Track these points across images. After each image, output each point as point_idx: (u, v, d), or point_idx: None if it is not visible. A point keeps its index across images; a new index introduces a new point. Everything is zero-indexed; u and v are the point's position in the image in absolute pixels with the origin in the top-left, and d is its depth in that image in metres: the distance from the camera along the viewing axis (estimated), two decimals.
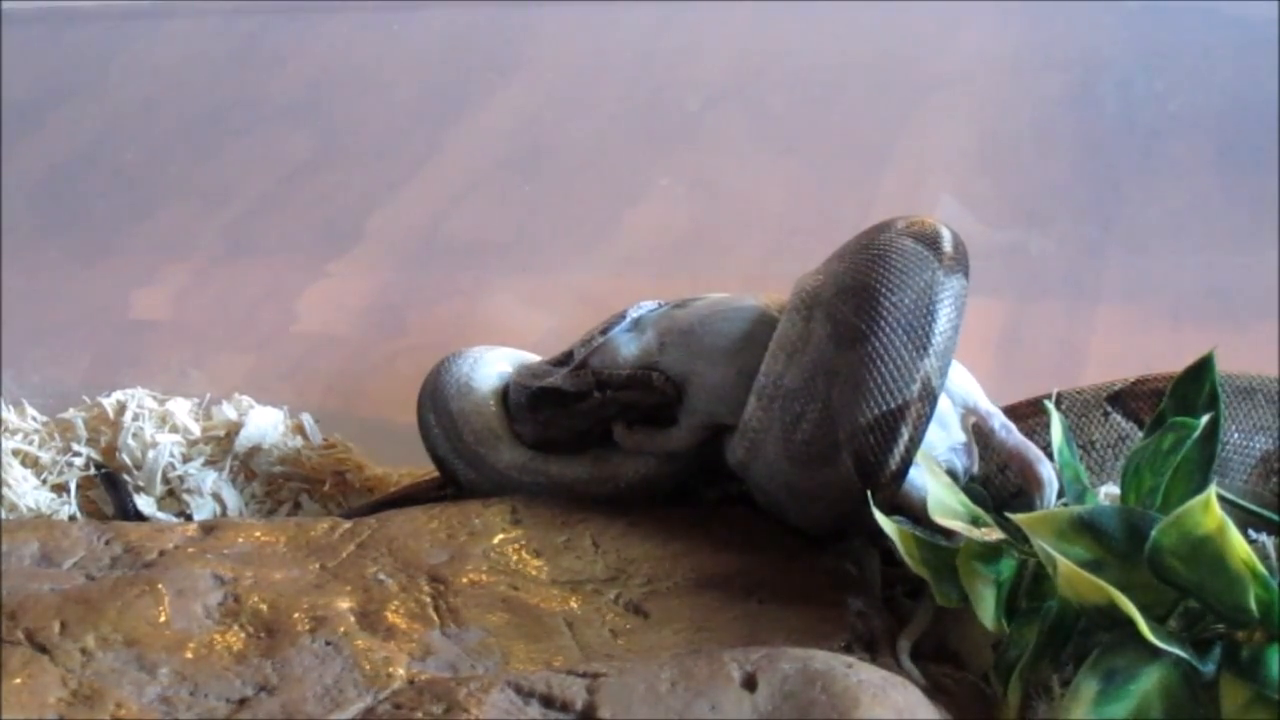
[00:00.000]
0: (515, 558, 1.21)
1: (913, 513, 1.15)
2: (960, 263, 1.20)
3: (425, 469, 1.41)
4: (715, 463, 1.30)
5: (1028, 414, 1.28)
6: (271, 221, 1.89)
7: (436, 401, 1.36)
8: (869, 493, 1.13)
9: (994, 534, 1.09)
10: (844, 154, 1.81)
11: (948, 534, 1.13)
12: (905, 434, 1.16)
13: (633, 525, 1.25)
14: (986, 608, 1.08)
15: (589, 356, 1.29)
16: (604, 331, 1.29)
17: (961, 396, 1.23)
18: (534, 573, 1.20)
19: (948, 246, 1.20)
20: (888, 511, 1.13)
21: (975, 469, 1.24)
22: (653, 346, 1.26)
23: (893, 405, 1.15)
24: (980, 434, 1.24)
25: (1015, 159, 1.81)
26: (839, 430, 1.16)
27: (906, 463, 1.16)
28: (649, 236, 1.82)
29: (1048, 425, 1.19)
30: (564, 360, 1.31)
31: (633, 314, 1.30)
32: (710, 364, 1.24)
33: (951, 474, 1.20)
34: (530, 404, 1.31)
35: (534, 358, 1.42)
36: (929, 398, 1.16)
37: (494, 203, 1.90)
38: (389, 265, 1.84)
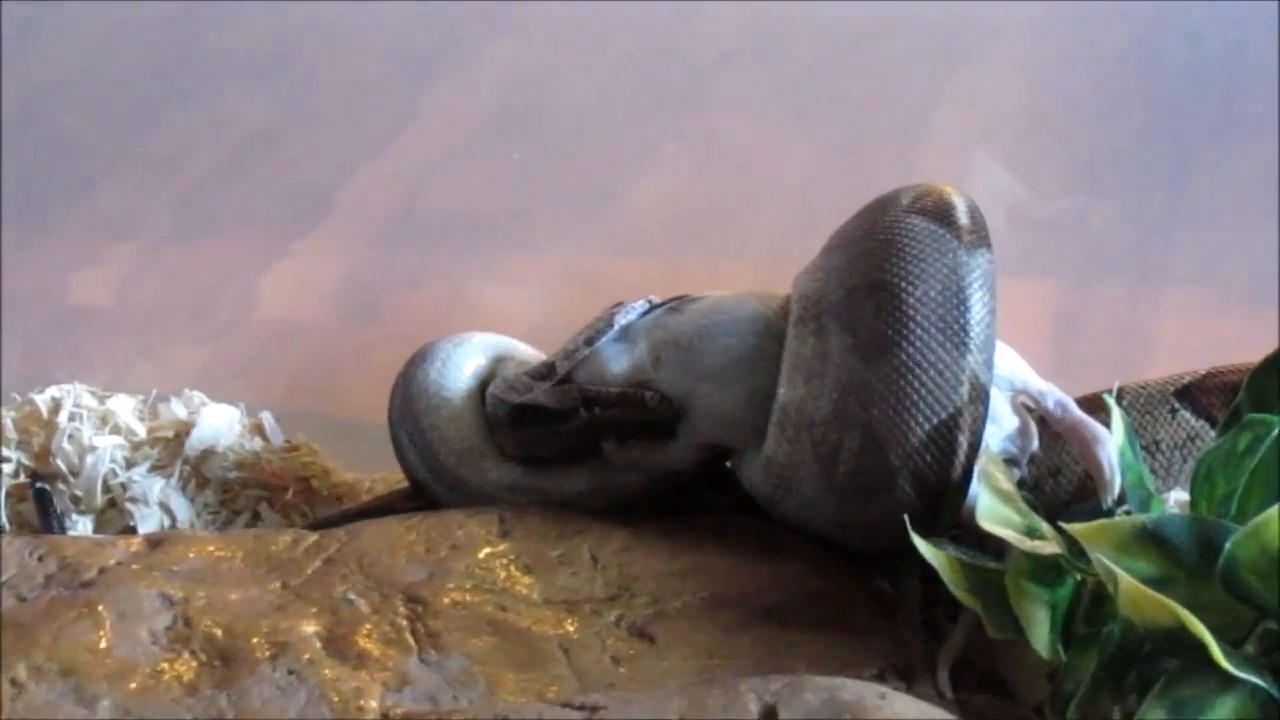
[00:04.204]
0: (503, 575, 1.21)
1: (973, 523, 1.14)
2: (981, 235, 1.19)
3: (401, 475, 1.41)
4: (728, 468, 1.30)
5: (1085, 411, 1.27)
6: (227, 195, 1.89)
7: (406, 418, 1.36)
8: (931, 515, 1.14)
9: (1048, 546, 1.09)
10: (876, 116, 1.81)
11: (999, 551, 1.12)
12: (963, 442, 1.15)
13: (636, 538, 1.25)
14: (1040, 632, 1.08)
15: (573, 370, 1.29)
16: (589, 341, 1.29)
17: (1008, 379, 1.23)
18: (525, 592, 1.20)
19: (963, 218, 1.19)
20: (951, 527, 1.12)
21: (1035, 445, 1.23)
22: (645, 361, 1.26)
23: (944, 415, 1.14)
24: (1035, 415, 1.24)
25: (1071, 121, 1.81)
26: (890, 455, 1.15)
27: (968, 471, 1.16)
28: (654, 211, 1.81)
29: (1107, 423, 1.18)
30: (545, 373, 1.31)
31: (620, 320, 1.29)
32: (714, 386, 1.24)
33: (1011, 463, 1.20)
34: (511, 421, 1.31)
35: (515, 344, 1.42)
36: (980, 397, 1.16)
37: (479, 173, 1.90)
38: (361, 244, 1.84)
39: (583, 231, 1.80)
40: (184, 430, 1.51)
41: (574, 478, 1.32)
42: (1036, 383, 1.24)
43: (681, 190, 1.84)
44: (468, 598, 1.18)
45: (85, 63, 2.00)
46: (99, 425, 1.52)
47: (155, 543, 1.25)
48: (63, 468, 1.47)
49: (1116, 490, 1.19)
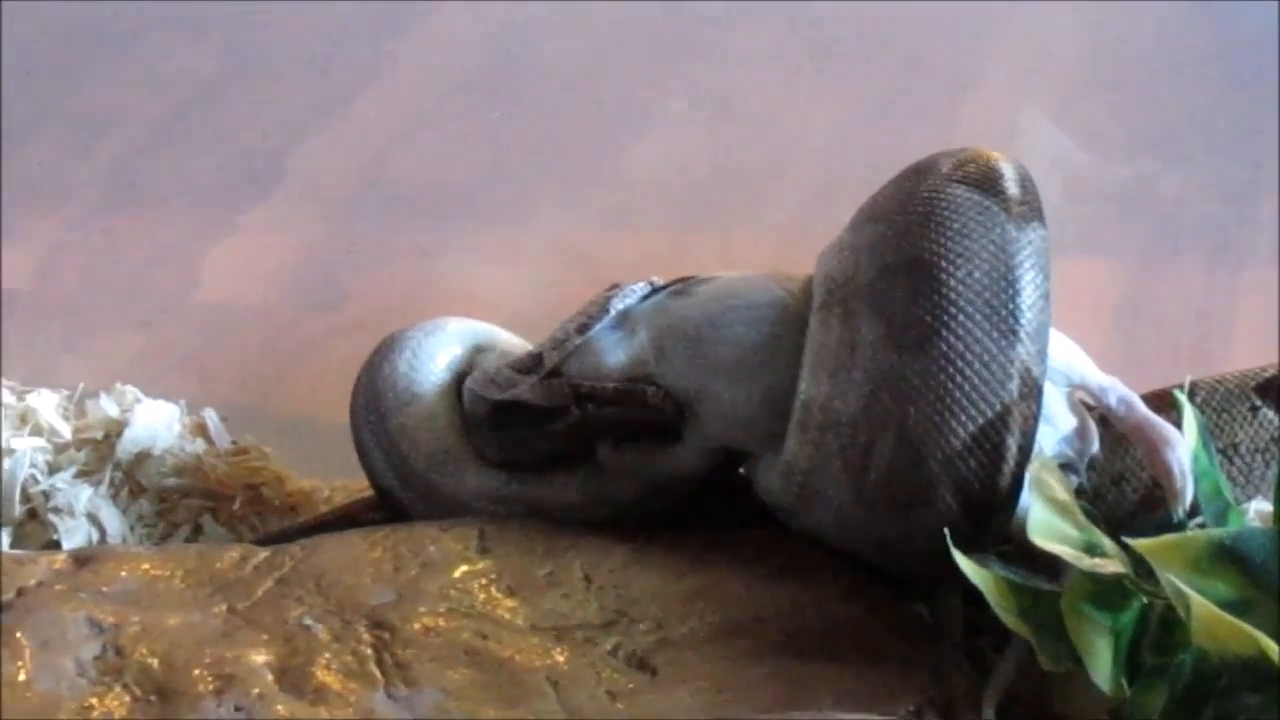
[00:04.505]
0: (483, 597, 1.21)
1: (1024, 539, 1.15)
2: (1032, 207, 1.20)
3: (365, 482, 1.42)
4: (741, 475, 1.31)
5: (1152, 409, 1.28)
6: (164, 161, 1.89)
7: (371, 416, 1.37)
8: (977, 529, 1.14)
9: (1110, 565, 1.09)
10: (912, 69, 1.81)
11: (1053, 570, 1.12)
12: (1012, 446, 1.16)
13: (636, 554, 1.26)
14: (1101, 663, 1.08)
15: (563, 362, 1.29)
16: (581, 329, 1.30)
17: (1064, 373, 1.23)
18: (508, 616, 1.20)
19: (1012, 187, 1.20)
20: (998, 542, 1.12)
21: (1096, 448, 1.24)
22: (647, 352, 1.27)
23: (990, 414, 1.15)
24: (1095, 414, 1.24)
25: (1139, 75, 1.81)
26: (929, 461, 1.15)
27: (1018, 478, 1.16)
28: (657, 179, 1.81)
29: (1178, 424, 1.18)
30: (531, 365, 1.32)
31: (618, 305, 1.30)
32: (725, 382, 1.24)
33: (1068, 469, 1.20)
34: (492, 420, 1.32)
35: (496, 332, 1.43)
36: (1032, 393, 1.16)
37: (455, 135, 1.90)
38: (318, 217, 1.84)
39: (574, 202, 1.79)
40: (115, 431, 1.52)
41: (564, 486, 1.32)
42: (1097, 376, 1.24)
43: (688, 154, 1.83)
44: (442, 623, 1.18)
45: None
46: (17, 425, 1.53)
47: (82, 560, 1.25)
48: None
49: (1189, 500, 1.19)
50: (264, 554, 1.27)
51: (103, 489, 1.48)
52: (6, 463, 1.48)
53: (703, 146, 1.85)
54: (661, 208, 1.77)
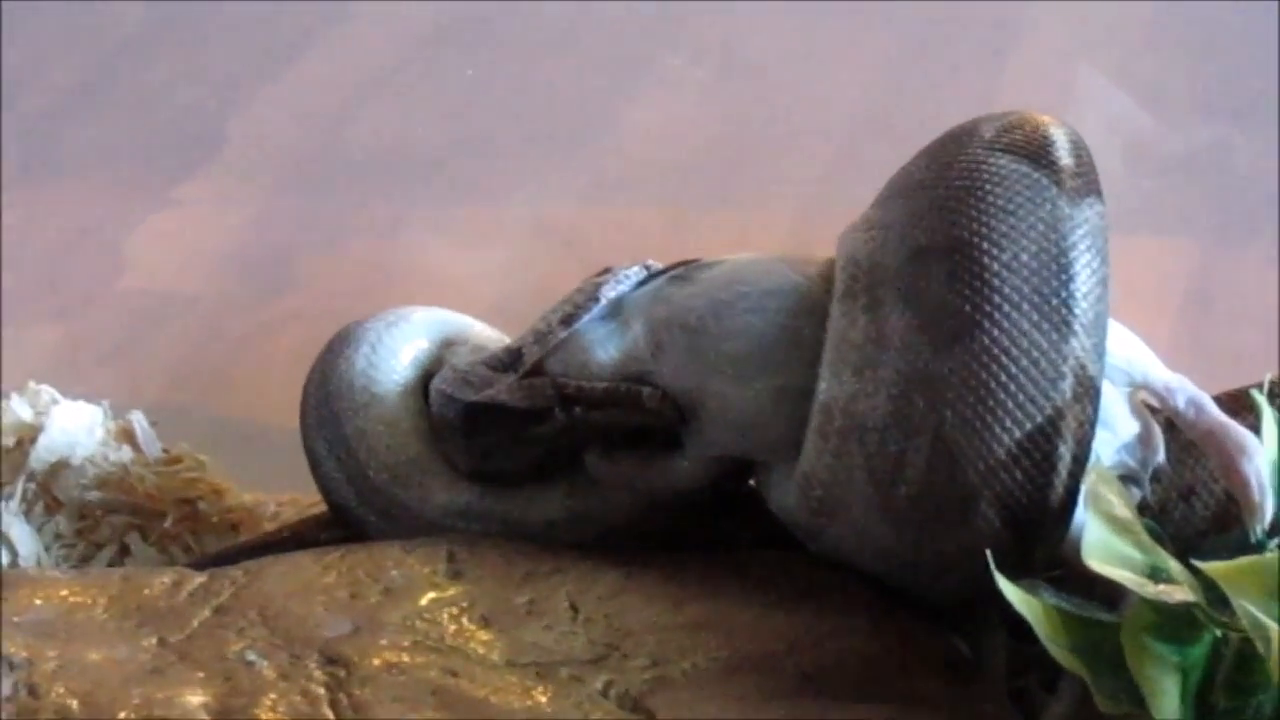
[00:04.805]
0: (453, 628, 1.21)
1: (1078, 562, 1.15)
2: (1088, 179, 1.20)
3: (318, 496, 1.42)
4: (751, 489, 1.31)
5: (1226, 412, 1.27)
6: (83, 127, 1.89)
7: (325, 421, 1.37)
8: (1024, 550, 1.14)
9: (1177, 592, 1.09)
10: (949, 19, 1.81)
11: (1112, 598, 1.12)
12: (1065, 454, 1.15)
13: (629, 579, 1.26)
14: (1167, 704, 1.08)
15: (546, 358, 1.29)
16: (567, 321, 1.30)
17: (1124, 370, 1.23)
18: (481, 650, 1.19)
19: (1065, 157, 1.20)
20: (1050, 566, 1.12)
21: (1161, 457, 1.24)
22: (642, 347, 1.27)
23: (1039, 418, 1.15)
24: (1160, 417, 1.24)
25: (1210, 28, 1.81)
26: (968, 472, 1.15)
27: (1071, 492, 1.16)
28: (652, 147, 1.82)
29: (1256, 429, 1.18)
30: (509, 362, 1.32)
31: (609, 292, 1.30)
32: (733, 381, 1.24)
33: (1129, 480, 1.20)
34: (464, 426, 1.32)
35: (469, 323, 1.43)
36: (1088, 394, 1.16)
37: (421, 95, 1.90)
38: (262, 189, 1.84)
39: (559, 174, 1.80)
40: (28, 436, 1.51)
41: (547, 501, 1.33)
42: (1162, 375, 1.24)
43: (689, 119, 1.84)
44: (405, 658, 1.18)
45: None
46: None
47: None
48: None
49: (1268, 517, 1.19)
50: (200, 579, 1.26)
51: (14, 504, 1.47)
52: None
53: (705, 109, 1.85)
54: (659, 180, 1.78)
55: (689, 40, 1.85)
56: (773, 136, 1.78)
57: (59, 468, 1.50)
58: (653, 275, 1.32)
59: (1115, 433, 1.23)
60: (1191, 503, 1.28)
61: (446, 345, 1.41)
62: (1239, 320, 1.64)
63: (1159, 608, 1.09)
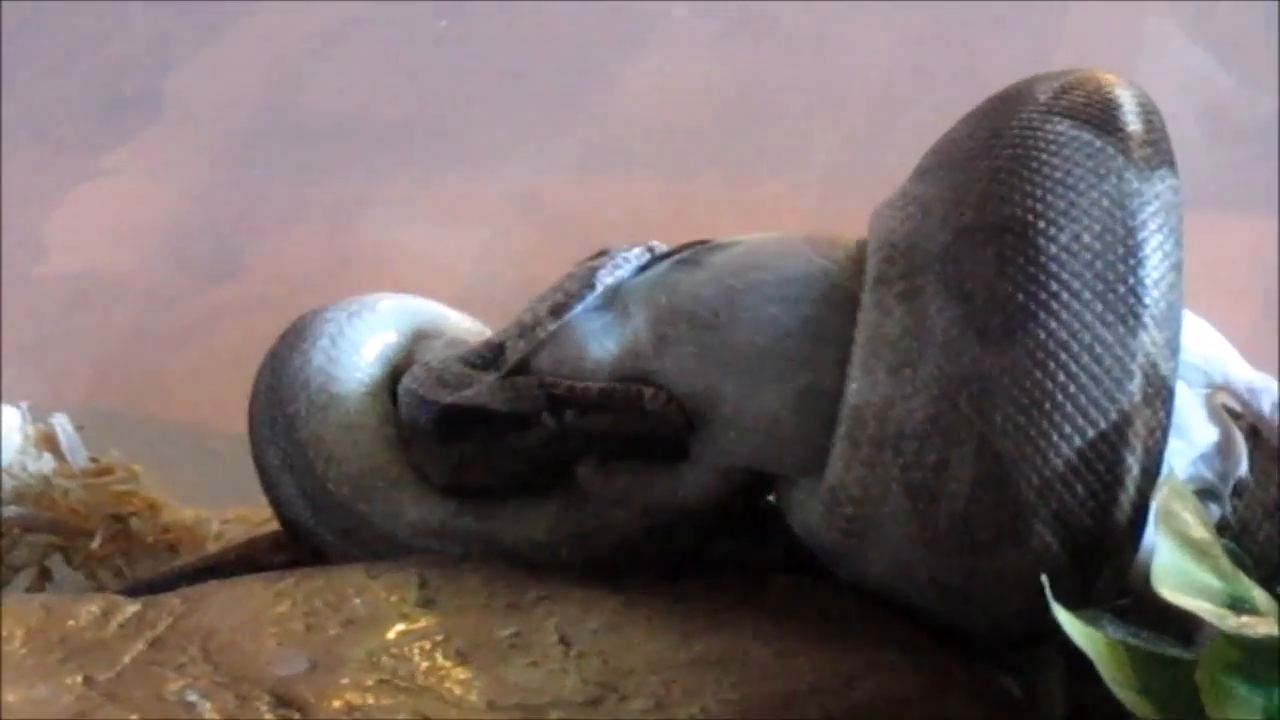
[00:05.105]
0: (425, 665, 1.21)
1: (1148, 589, 1.15)
2: (1159, 149, 1.20)
3: (269, 511, 1.42)
4: (770, 505, 1.31)
5: None
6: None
7: (277, 425, 1.38)
8: (1086, 576, 1.14)
9: (1263, 624, 1.09)
10: None
11: (1187, 632, 1.12)
12: (1133, 466, 1.16)
13: (629, 608, 1.26)
14: None
15: (533, 354, 1.30)
16: (557, 311, 1.30)
17: (1201, 368, 1.23)
18: (458, 691, 1.19)
19: (1133, 122, 1.21)
20: (1115, 595, 1.12)
21: (1244, 469, 1.25)
22: (644, 342, 1.27)
23: (1104, 424, 1.15)
24: (1242, 423, 1.25)
25: None
26: (1020, 486, 1.15)
27: (1140, 509, 1.16)
28: (654, 110, 1.82)
29: None
30: (490, 358, 1.33)
31: (605, 278, 1.30)
32: (748, 381, 1.24)
33: (1207, 496, 1.20)
34: (438, 431, 1.32)
35: (443, 313, 1.44)
36: (1159, 395, 1.16)
37: (386, 52, 1.90)
38: (204, 159, 1.84)
39: (547, 139, 1.80)
40: None
41: (534, 519, 1.33)
42: (1244, 374, 1.24)
43: (696, 78, 1.84)
44: (370, 700, 1.18)
45: None
46: None
47: None
48: None
49: None
50: (133, 608, 1.26)
51: None
52: None
53: (716, 65, 1.86)
54: (662, 149, 1.78)
55: None
56: (793, 97, 1.78)
57: None
58: (656, 258, 1.32)
59: (1191, 441, 1.23)
60: (1277, 522, 1.28)
61: (418, 338, 1.42)
62: None
63: (1241, 643, 1.09)
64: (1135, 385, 1.15)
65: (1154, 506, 1.16)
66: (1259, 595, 1.13)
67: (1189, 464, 1.22)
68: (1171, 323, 1.17)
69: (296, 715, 1.17)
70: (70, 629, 1.24)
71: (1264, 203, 1.62)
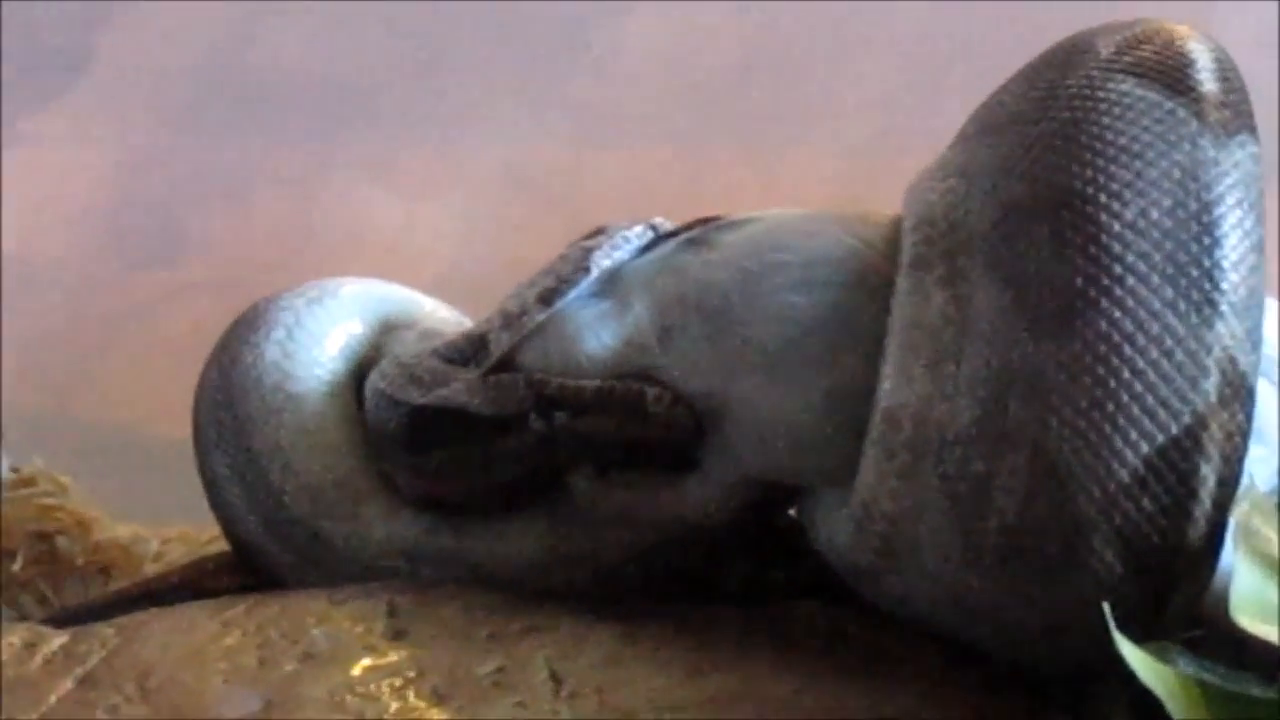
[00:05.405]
0: (396, 706, 1.21)
1: (1225, 617, 1.15)
2: (1238, 111, 1.20)
3: (216, 529, 1.42)
4: (791, 521, 1.32)
5: None
6: None
7: (226, 429, 1.38)
8: (1154, 603, 1.14)
9: None
10: None
11: (1270, 666, 1.12)
12: (1208, 476, 1.16)
13: (629, 639, 1.26)
14: None
15: (519, 347, 1.30)
16: (546, 298, 1.31)
17: None
18: None
19: (1208, 82, 1.21)
20: (1186, 624, 1.13)
21: None
22: (646, 334, 1.28)
23: (1175, 427, 1.15)
24: None
25: None
26: (1080, 499, 1.16)
27: (1217, 525, 1.16)
28: (657, 68, 1.82)
29: None
30: (470, 353, 1.33)
31: (601, 260, 1.31)
32: (766, 379, 1.25)
33: None
34: (411, 437, 1.33)
35: (416, 300, 1.45)
36: (1239, 395, 1.16)
37: (349, 3, 1.90)
38: (142, 125, 1.84)
39: (534, 103, 1.80)
40: None
41: (520, 536, 1.34)
42: None
43: (706, 31, 1.84)
44: None
45: None
46: None
47: None
48: None
49: None
50: (60, 640, 1.26)
51: None
52: None
53: (727, 18, 1.85)
54: (666, 112, 1.78)
55: None
56: (817, 53, 1.78)
57: None
58: (660, 238, 1.32)
59: (1273, 447, 1.23)
60: None
61: (387, 329, 1.42)
62: None
63: None
64: (1211, 383, 1.15)
65: (1232, 522, 1.16)
66: None
67: (1272, 474, 1.23)
68: (1252, 311, 1.17)
69: None
70: None
71: None
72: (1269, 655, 1.14)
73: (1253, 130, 1.20)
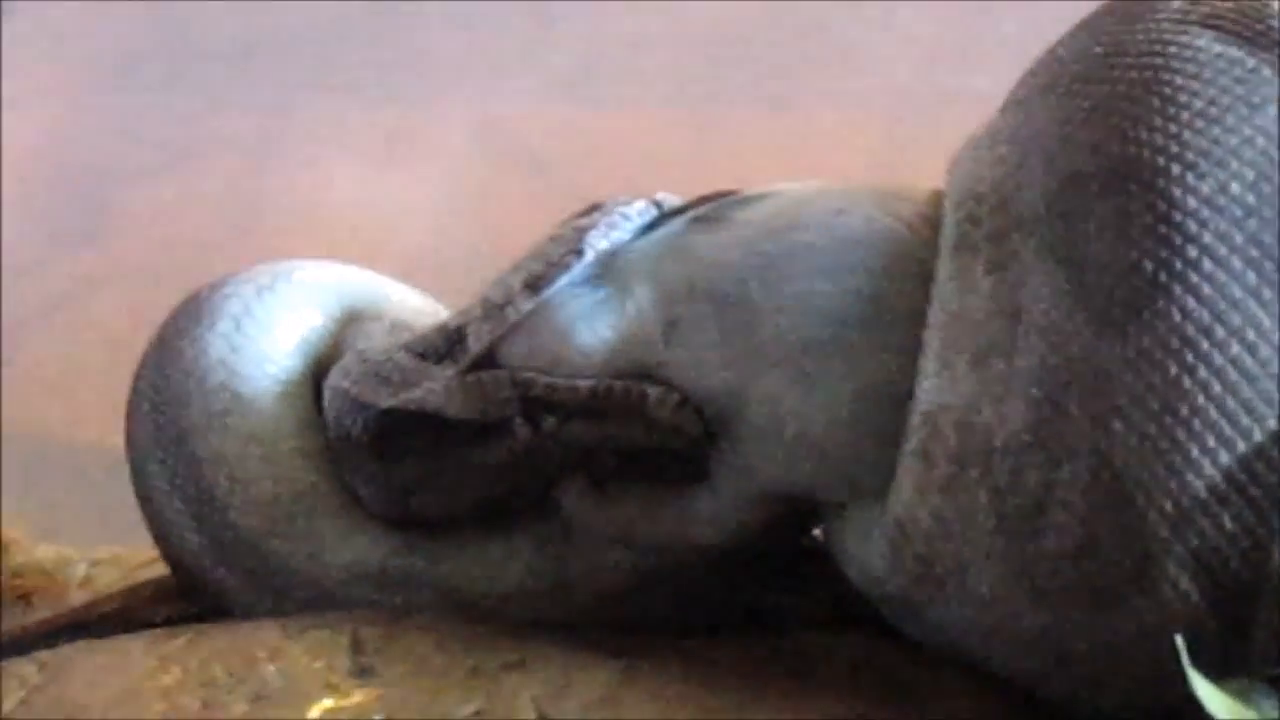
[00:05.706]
0: None
1: None
2: None
3: (153, 550, 1.43)
4: (815, 543, 1.32)
5: None
6: None
7: (163, 435, 1.39)
8: (1233, 635, 1.15)
9: None
10: None
11: None
12: None
13: (628, 677, 1.27)
14: None
15: (502, 342, 1.31)
16: (534, 285, 1.31)
17: None
18: None
19: None
20: (1272, 661, 1.13)
21: None
22: (649, 326, 1.28)
23: (1258, 434, 1.15)
24: None
25: None
26: (1149, 515, 1.16)
27: None
28: (660, 18, 1.83)
29: None
30: (446, 348, 1.34)
31: (598, 241, 1.31)
32: (788, 377, 1.25)
33: None
34: (377, 443, 1.34)
35: (383, 286, 1.46)
36: None
37: None
38: (65, 84, 1.85)
39: (517, 58, 1.80)
40: None
41: (502, 559, 1.34)
42: None
43: None
44: None
45: None
46: None
47: None
48: None
49: None
50: None
51: None
52: None
53: None
54: (671, 69, 1.78)
55: None
56: (822, 19, 1.79)
57: None
58: (665, 215, 1.32)
59: None
60: None
61: (349, 320, 1.43)
62: None
63: None
64: None
65: None
66: None
67: None
68: None
69: None
70: None
71: None
72: None
73: None
